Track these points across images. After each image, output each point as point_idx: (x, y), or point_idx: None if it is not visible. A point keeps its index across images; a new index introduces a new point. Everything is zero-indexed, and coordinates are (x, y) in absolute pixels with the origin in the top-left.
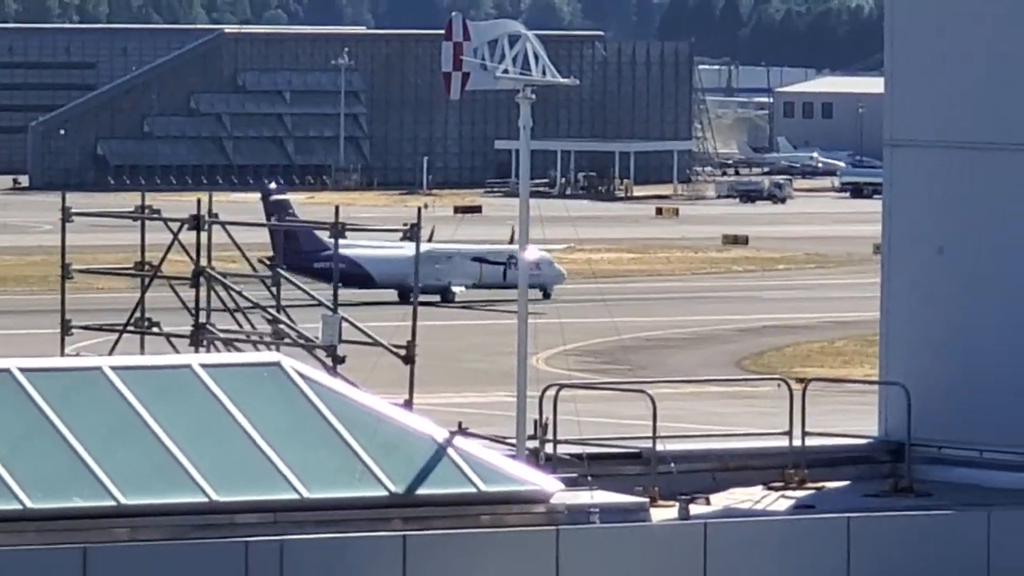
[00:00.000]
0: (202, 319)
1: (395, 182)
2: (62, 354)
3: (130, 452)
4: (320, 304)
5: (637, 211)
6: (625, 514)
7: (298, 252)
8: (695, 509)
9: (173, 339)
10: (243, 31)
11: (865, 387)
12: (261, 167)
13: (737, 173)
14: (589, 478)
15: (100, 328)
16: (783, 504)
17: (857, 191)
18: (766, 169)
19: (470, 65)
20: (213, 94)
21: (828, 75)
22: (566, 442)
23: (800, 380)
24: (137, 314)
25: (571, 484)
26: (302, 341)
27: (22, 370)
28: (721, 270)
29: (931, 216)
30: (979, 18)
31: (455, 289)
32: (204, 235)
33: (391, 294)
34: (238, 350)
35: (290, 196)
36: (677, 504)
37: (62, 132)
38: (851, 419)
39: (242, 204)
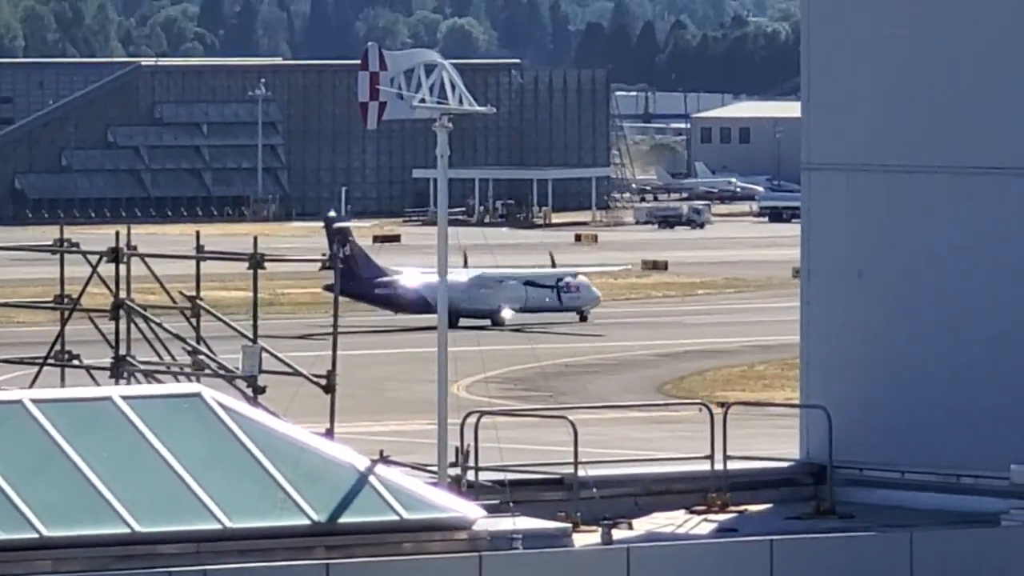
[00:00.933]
0: (122, 351)
1: (314, 212)
2: None
3: (52, 484)
4: (242, 335)
5: (556, 238)
6: (548, 540)
7: (356, 279)
8: (618, 534)
9: (93, 371)
10: (160, 64)
11: (786, 410)
12: (179, 199)
13: (656, 199)
14: (511, 504)
15: (20, 361)
16: (706, 528)
17: (776, 215)
18: (685, 195)
19: (387, 95)
20: (131, 127)
21: (745, 100)
22: (488, 469)
23: (721, 404)
24: (57, 347)
25: (493, 511)
26: (222, 372)
27: None
28: (641, 295)
29: (849, 239)
30: (893, 43)
31: (504, 314)
32: (123, 267)
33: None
34: (159, 381)
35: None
36: (600, 529)
37: None
38: (773, 442)
39: (161, 236)
